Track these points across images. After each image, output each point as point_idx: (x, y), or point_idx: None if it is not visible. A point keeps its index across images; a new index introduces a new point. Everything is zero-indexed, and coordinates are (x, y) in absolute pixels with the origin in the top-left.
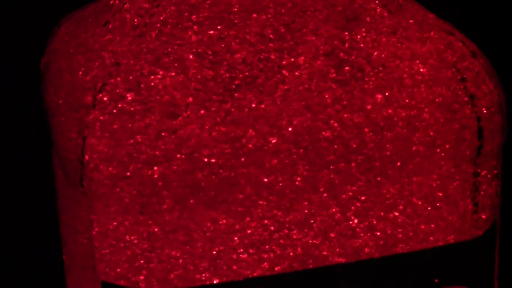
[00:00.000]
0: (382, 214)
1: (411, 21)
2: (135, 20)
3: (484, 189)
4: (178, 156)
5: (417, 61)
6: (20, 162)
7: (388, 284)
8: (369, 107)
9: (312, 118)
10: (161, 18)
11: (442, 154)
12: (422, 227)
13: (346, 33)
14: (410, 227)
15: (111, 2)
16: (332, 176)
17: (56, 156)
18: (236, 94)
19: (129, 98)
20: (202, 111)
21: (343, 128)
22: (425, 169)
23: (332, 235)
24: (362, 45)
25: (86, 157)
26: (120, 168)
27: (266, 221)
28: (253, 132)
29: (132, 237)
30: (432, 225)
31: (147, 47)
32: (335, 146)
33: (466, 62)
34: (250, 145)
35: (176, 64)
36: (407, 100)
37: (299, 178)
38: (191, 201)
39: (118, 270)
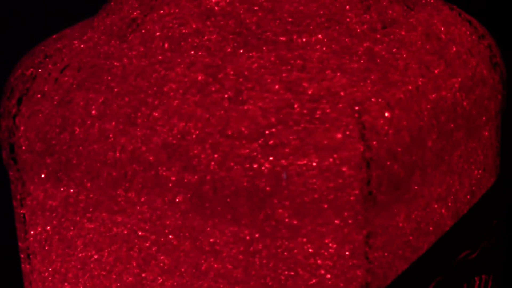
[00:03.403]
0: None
1: None
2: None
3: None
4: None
5: (463, 28)
6: None
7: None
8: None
9: (434, 89)
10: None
11: (490, 115)
12: (483, 180)
13: (413, 13)
14: (476, 181)
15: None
16: (448, 148)
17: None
18: None
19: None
20: None
21: (443, 96)
22: (482, 130)
23: (449, 204)
24: (427, 16)
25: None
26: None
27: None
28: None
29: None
30: (486, 174)
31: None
32: (450, 115)
33: (484, 28)
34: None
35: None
36: (469, 73)
37: (430, 154)
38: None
39: None
